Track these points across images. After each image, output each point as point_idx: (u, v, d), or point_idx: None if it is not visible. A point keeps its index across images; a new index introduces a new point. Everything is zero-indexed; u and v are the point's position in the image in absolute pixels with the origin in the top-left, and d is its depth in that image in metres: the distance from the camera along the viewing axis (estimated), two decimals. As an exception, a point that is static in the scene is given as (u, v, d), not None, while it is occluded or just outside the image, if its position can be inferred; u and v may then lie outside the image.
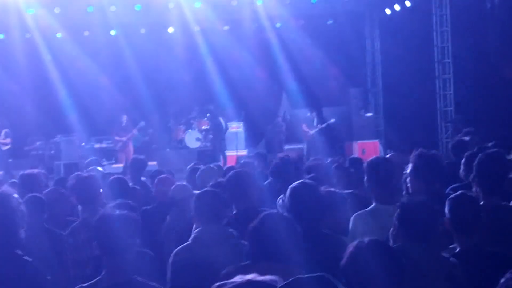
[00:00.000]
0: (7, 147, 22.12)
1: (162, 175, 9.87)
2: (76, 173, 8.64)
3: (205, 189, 6.62)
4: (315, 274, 3.41)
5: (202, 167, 10.22)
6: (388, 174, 6.18)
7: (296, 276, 3.40)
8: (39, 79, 25.08)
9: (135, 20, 23.11)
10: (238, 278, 3.01)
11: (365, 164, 6.65)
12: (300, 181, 5.84)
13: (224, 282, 3.10)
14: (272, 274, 3.09)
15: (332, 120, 24.60)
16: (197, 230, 5.89)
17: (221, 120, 22.59)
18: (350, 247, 4.00)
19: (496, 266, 4.31)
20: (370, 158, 6.63)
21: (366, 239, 4.06)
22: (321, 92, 26.34)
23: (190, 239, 5.84)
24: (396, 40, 25.44)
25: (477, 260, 4.82)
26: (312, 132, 23.60)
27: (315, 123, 23.80)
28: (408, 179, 6.41)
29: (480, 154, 6.15)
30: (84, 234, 6.56)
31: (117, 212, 4.71)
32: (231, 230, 5.90)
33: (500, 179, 5.71)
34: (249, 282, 3.00)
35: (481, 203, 5.49)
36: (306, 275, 3.40)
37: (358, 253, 3.91)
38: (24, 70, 24.64)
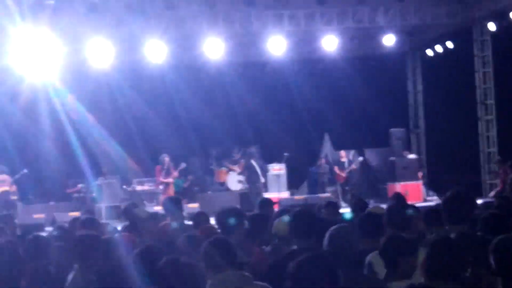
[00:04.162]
0: (14, 197, 22.07)
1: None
2: None
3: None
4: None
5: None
6: None
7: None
8: (81, 121, 25.34)
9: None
10: None
11: None
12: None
13: None
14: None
15: (360, 159, 24.51)
16: None
17: (253, 163, 22.66)
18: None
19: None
20: None
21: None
22: (363, 133, 26.28)
23: None
24: (438, 81, 25.32)
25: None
26: (343, 174, 23.40)
27: (346, 165, 23.66)
28: None
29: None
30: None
31: (183, 259, 4.73)
32: None
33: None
34: None
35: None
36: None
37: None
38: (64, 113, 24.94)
